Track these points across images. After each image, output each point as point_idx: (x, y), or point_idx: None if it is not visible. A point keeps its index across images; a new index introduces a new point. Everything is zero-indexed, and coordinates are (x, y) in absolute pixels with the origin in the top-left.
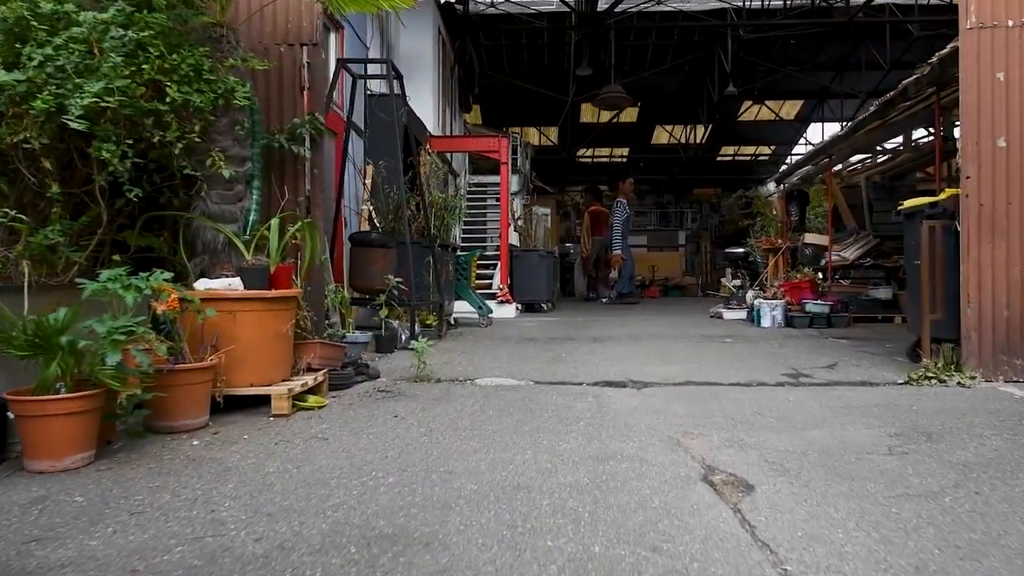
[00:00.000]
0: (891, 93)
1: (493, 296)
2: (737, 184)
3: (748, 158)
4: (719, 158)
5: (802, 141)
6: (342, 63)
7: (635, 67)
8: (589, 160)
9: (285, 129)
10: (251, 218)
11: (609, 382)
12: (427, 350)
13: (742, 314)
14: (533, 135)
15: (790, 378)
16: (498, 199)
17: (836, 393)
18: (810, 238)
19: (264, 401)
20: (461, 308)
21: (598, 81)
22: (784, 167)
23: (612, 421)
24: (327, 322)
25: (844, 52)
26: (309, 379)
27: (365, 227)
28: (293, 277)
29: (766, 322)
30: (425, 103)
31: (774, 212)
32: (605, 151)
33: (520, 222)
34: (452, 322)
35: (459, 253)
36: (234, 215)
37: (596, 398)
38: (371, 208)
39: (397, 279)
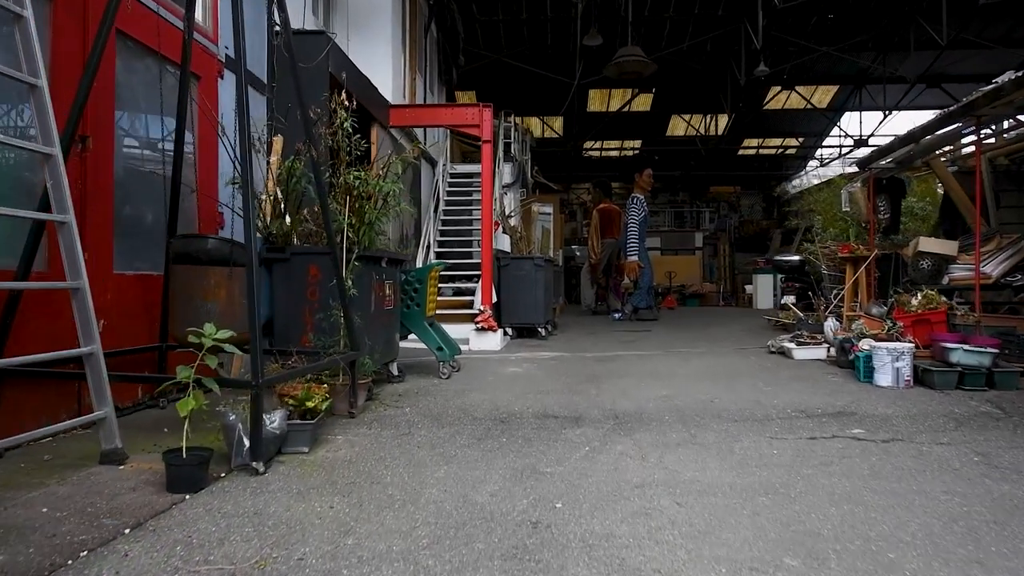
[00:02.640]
0: None
1: (474, 317)
2: (759, 181)
3: (773, 151)
4: (741, 151)
5: (835, 132)
6: None
7: (650, 46)
8: (597, 153)
9: None
10: None
11: None
12: None
13: (819, 353)
14: (536, 126)
15: None
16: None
17: None
18: (927, 244)
19: None
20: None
21: (608, 55)
22: (874, 149)
23: None
24: None
25: (889, 29)
26: None
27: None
28: None
29: (885, 378)
30: (379, 63)
31: (843, 208)
32: (615, 144)
33: (513, 221)
34: (396, 372)
35: (410, 268)
36: None
37: None
38: (273, 199)
39: (226, 332)
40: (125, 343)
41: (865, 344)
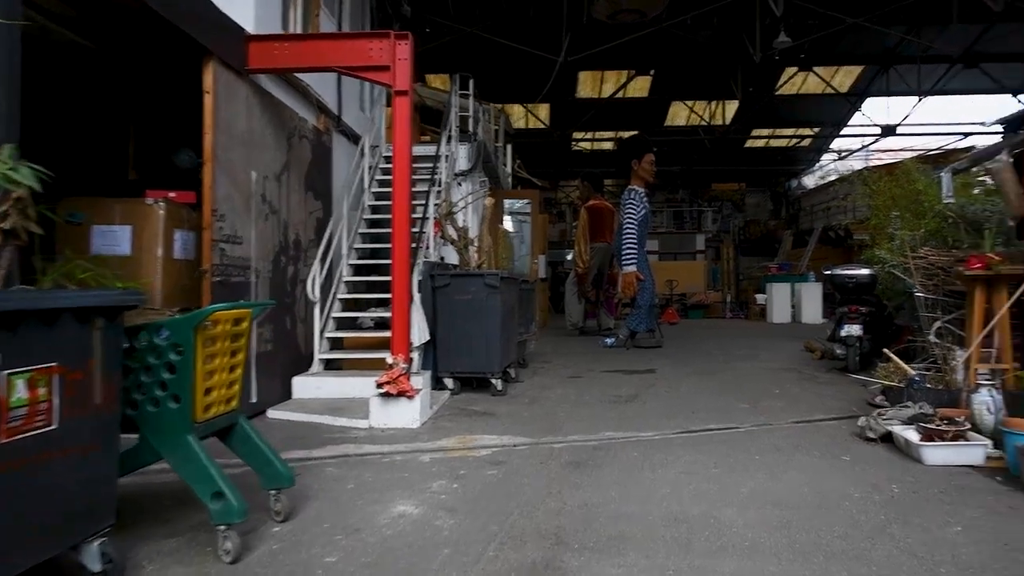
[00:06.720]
0: None
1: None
2: (767, 177)
3: (784, 143)
4: (749, 143)
5: (855, 120)
6: None
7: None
8: (588, 145)
9: None
10: None
11: None
12: None
13: (971, 455)
14: (519, 114)
15: None
16: (428, 180)
17: None
18: None
19: None
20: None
21: (601, 25)
22: None
23: None
24: None
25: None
26: None
27: None
28: None
29: None
30: None
31: (945, 199)
32: (608, 134)
33: (463, 221)
34: (98, 568)
35: (156, 321)
36: None
37: None
38: None
39: None
40: None
41: None
